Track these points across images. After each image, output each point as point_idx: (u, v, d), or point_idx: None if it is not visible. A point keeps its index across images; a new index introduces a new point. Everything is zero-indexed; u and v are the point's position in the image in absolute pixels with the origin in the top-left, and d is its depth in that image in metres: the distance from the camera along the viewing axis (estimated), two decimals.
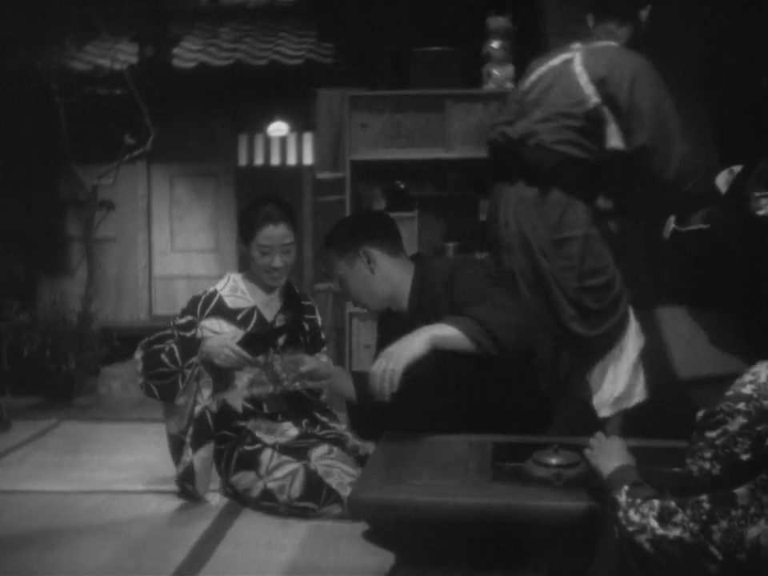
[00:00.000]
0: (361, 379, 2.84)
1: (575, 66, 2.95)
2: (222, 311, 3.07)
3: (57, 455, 3.74)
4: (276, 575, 2.45)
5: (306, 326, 3.21)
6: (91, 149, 5.38)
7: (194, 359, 2.92)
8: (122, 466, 3.54)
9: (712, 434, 1.17)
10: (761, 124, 3.31)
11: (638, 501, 1.33)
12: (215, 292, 3.12)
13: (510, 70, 4.45)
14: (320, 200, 5.28)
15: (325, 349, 3.28)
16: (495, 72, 4.45)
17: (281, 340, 3.09)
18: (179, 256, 6.42)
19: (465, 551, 1.86)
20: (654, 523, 1.25)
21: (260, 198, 3.13)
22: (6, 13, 4.90)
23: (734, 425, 1.15)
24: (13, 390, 4.92)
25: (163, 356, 2.94)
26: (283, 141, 6.43)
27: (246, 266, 3.19)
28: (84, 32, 5.76)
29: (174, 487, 3.10)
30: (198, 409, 2.94)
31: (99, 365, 5.25)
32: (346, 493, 2.73)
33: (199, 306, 3.07)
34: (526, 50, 4.46)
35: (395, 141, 4.46)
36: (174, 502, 3.06)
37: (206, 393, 2.96)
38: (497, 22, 4.46)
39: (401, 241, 2.79)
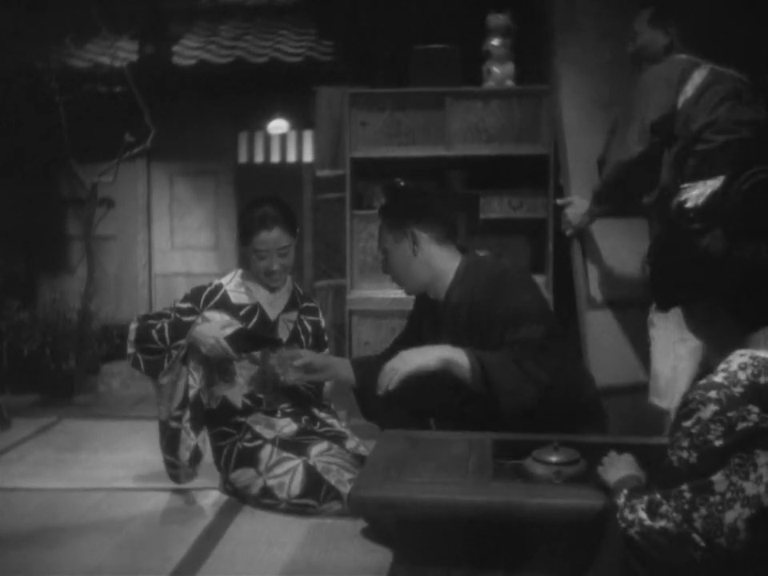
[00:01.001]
0: (360, 366, 2.86)
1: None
2: (226, 305, 3.08)
3: (57, 453, 3.74)
4: (276, 573, 2.45)
5: (309, 328, 3.20)
6: (91, 147, 5.37)
7: (182, 341, 2.94)
8: (122, 463, 3.55)
9: (687, 423, 1.22)
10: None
11: (634, 501, 1.37)
12: (221, 285, 3.13)
13: (510, 67, 4.45)
14: (320, 198, 5.27)
15: (327, 350, 3.28)
16: (495, 69, 4.45)
17: (283, 337, 3.10)
18: (179, 254, 6.41)
19: (465, 549, 1.86)
20: (643, 515, 1.31)
21: (256, 200, 3.12)
22: (5, 11, 4.89)
23: (707, 412, 1.20)
24: (13, 388, 4.92)
25: (154, 332, 2.96)
26: (283, 138, 6.42)
27: (247, 264, 3.19)
28: (84, 30, 5.75)
29: (174, 485, 3.10)
30: (192, 392, 2.97)
31: (99, 363, 5.26)
32: (345, 490, 2.73)
33: (203, 298, 3.08)
34: (527, 47, 4.46)
35: (395, 138, 4.45)
36: (174, 500, 3.06)
37: (198, 375, 2.98)
38: (497, 19, 4.46)
39: (455, 229, 2.70)
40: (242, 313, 3.08)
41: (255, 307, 3.11)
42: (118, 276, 6.34)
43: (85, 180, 5.40)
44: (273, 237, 3.01)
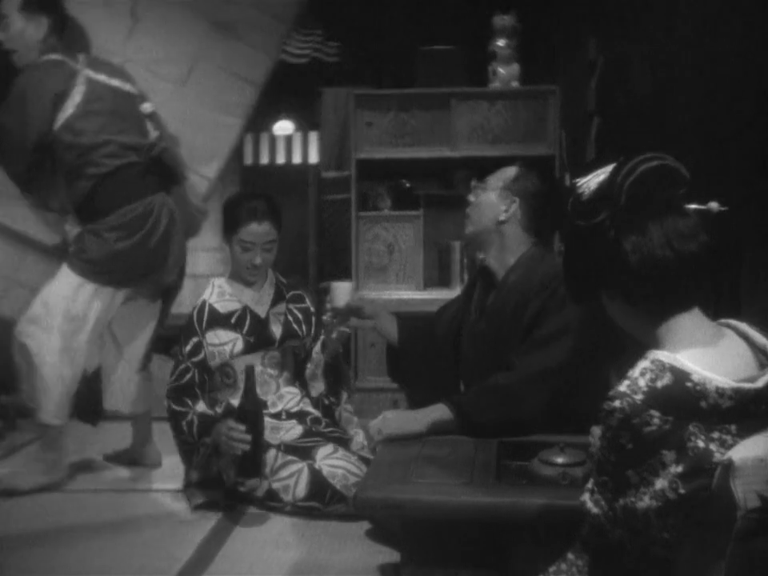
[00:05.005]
0: (405, 327, 2.74)
1: None
2: (217, 319, 3.06)
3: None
4: (282, 574, 2.45)
5: (300, 315, 3.19)
6: None
7: (208, 440, 2.87)
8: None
9: (603, 428, 1.32)
10: (761, 127, 3.29)
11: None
12: (204, 302, 3.10)
13: (515, 68, 4.44)
14: (325, 199, 5.28)
15: (323, 336, 3.20)
16: (501, 70, 4.44)
17: (276, 331, 3.09)
18: None
19: (470, 550, 1.85)
20: (588, 501, 1.38)
21: (246, 194, 3.14)
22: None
23: (614, 421, 1.29)
24: (19, 389, 4.91)
25: (184, 424, 2.93)
26: (288, 140, 6.42)
27: (230, 258, 3.16)
28: None
29: (179, 486, 3.10)
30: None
31: None
32: (350, 493, 2.72)
33: (195, 322, 3.05)
34: (532, 48, 4.46)
35: (401, 139, 4.45)
36: (180, 501, 3.06)
37: (231, 473, 2.84)
38: (502, 20, 4.45)
39: (543, 226, 2.58)
40: (233, 320, 3.06)
41: (244, 310, 3.10)
42: None
43: None
44: (262, 229, 3.01)
